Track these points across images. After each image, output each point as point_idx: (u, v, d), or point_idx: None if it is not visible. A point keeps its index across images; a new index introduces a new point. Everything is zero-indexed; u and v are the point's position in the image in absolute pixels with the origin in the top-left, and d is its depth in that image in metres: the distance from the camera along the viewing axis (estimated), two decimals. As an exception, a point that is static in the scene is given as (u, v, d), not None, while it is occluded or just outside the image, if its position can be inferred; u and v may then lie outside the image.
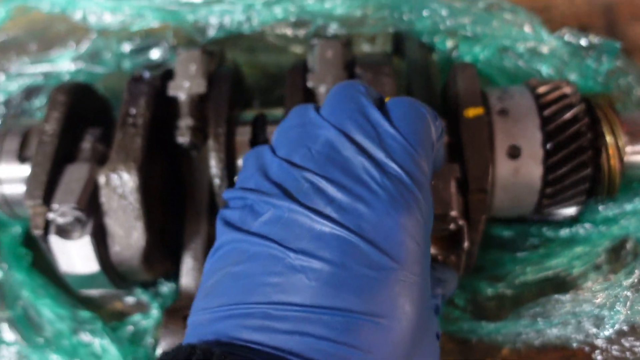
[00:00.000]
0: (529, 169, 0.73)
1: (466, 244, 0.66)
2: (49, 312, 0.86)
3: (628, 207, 0.75)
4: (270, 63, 1.02)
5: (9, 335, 0.86)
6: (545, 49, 0.81)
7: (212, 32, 0.90)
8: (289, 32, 0.90)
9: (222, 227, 0.53)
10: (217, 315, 0.47)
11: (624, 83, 0.83)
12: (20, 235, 0.93)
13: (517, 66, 0.88)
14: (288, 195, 0.49)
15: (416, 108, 0.54)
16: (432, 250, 0.67)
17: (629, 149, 0.75)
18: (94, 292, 0.84)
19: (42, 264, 0.90)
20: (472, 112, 0.73)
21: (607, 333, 0.54)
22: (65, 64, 1.02)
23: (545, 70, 0.85)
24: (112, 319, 0.88)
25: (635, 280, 0.56)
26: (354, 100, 0.53)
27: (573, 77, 0.85)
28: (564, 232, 0.78)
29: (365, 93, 0.54)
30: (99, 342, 0.84)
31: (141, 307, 0.89)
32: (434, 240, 0.67)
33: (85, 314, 0.86)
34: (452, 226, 0.65)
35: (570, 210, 0.76)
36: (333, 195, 0.48)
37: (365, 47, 0.97)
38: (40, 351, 0.84)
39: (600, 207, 0.75)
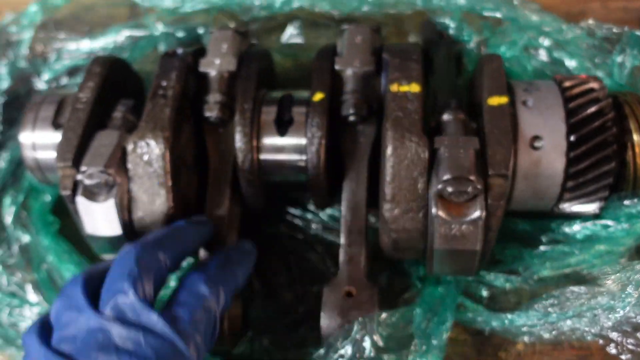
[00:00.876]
0: (552, 161, 0.73)
1: (483, 213, 0.66)
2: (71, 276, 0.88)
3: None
4: (303, 53, 1.04)
5: (33, 296, 0.89)
6: (569, 36, 0.81)
7: (255, 12, 0.93)
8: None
9: None
10: None
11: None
12: (50, 203, 0.97)
13: (543, 65, 0.88)
14: None
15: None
16: (448, 217, 0.67)
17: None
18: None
19: (68, 232, 0.93)
20: (496, 100, 0.73)
21: (618, 316, 0.53)
22: (109, 44, 1.06)
23: (571, 66, 0.85)
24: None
25: (632, 245, 0.54)
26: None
27: (599, 74, 0.84)
28: (586, 228, 0.77)
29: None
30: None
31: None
32: (452, 206, 0.67)
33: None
34: (470, 189, 0.65)
35: (592, 206, 0.75)
36: None
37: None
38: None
39: (625, 204, 0.74)
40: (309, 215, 0.91)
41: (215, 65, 0.82)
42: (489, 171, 0.68)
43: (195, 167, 0.83)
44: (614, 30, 0.85)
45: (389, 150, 0.71)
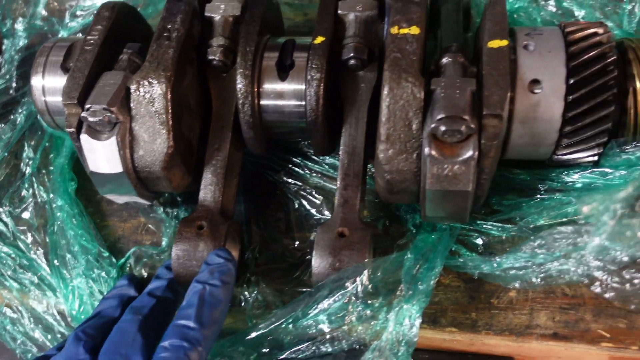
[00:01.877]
0: (550, 105, 0.72)
1: (476, 153, 0.66)
2: (76, 245, 0.91)
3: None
4: (313, 8, 1.04)
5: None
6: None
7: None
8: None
9: None
10: None
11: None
12: (69, 161, 0.99)
13: (552, 15, 0.87)
14: None
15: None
16: (441, 157, 0.67)
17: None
18: (118, 200, 0.88)
19: (83, 193, 0.97)
20: (496, 43, 0.72)
21: (593, 244, 0.52)
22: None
23: (581, 16, 0.84)
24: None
25: (630, 193, 0.53)
26: None
27: (610, 23, 0.83)
28: (585, 176, 0.76)
29: None
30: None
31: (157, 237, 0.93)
32: (445, 146, 0.67)
33: (105, 253, 0.92)
34: (463, 128, 0.65)
35: (590, 153, 0.74)
36: None
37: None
38: (57, 274, 0.90)
39: (624, 149, 0.73)
40: (310, 164, 0.92)
41: (220, 9, 0.83)
42: (484, 111, 0.68)
43: (198, 111, 0.85)
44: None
45: (385, 91, 0.71)
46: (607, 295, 0.66)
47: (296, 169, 0.92)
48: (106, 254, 0.91)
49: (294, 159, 0.92)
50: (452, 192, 0.69)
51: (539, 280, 0.72)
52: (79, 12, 1.13)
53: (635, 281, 0.63)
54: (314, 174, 0.91)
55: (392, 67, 0.71)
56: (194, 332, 0.66)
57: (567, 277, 0.69)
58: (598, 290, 0.66)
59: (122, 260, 0.91)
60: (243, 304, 0.85)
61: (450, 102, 0.68)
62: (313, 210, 0.89)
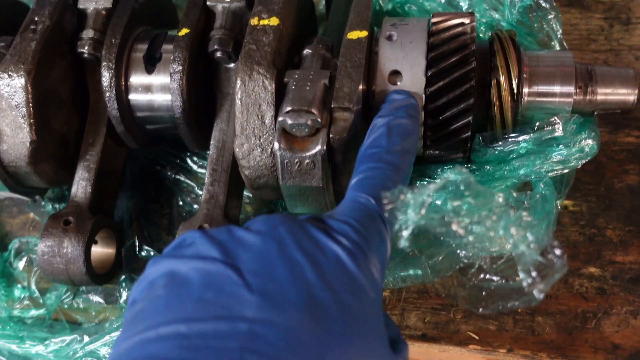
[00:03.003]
0: (410, 97, 0.69)
1: (324, 147, 0.63)
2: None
3: (520, 147, 0.70)
4: None
5: None
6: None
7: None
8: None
9: (151, 261, 0.51)
10: (147, 337, 0.43)
11: (547, 25, 0.78)
12: None
13: (440, 6, 0.84)
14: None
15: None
16: (290, 152, 0.65)
17: (526, 89, 0.70)
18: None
19: None
20: (355, 34, 0.70)
21: (404, 234, 0.49)
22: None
23: (465, 7, 0.81)
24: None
25: (438, 187, 0.50)
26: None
27: (496, 15, 0.80)
28: (456, 173, 0.74)
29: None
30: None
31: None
32: (295, 140, 0.65)
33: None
34: (309, 122, 0.63)
35: (457, 149, 0.72)
36: None
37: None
38: None
39: (491, 146, 0.71)
40: (197, 159, 0.90)
41: (92, 1, 0.81)
42: (332, 104, 0.66)
43: (75, 104, 0.83)
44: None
45: (237, 83, 0.69)
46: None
47: (182, 164, 0.90)
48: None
49: (181, 154, 0.90)
50: (304, 187, 0.67)
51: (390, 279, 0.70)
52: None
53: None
54: (200, 169, 0.89)
55: (245, 59, 0.69)
56: (389, 156, 0.59)
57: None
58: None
59: (6, 254, 0.90)
60: (119, 301, 0.83)
61: (299, 94, 0.66)
62: (196, 207, 0.88)
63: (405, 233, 0.49)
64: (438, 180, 0.52)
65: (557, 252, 0.48)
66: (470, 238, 0.50)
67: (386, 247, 0.55)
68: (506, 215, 0.50)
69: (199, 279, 0.45)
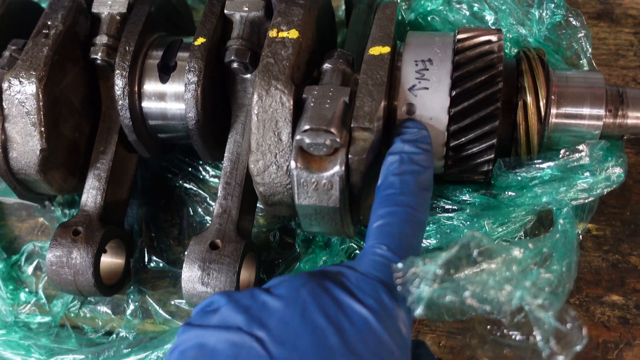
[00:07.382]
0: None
1: (342, 168, 0.61)
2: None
3: (544, 173, 0.67)
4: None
5: None
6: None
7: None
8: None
9: (182, 328, 0.53)
10: None
11: (576, 43, 0.75)
12: None
13: (467, 18, 0.81)
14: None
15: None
16: (306, 171, 0.63)
17: (554, 110, 0.68)
18: (7, 200, 0.85)
19: None
20: (377, 50, 0.68)
21: (419, 309, 0.48)
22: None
23: (490, 21, 0.78)
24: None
25: (450, 256, 0.48)
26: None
27: (523, 31, 0.77)
28: (475, 197, 0.72)
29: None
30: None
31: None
32: (313, 159, 0.63)
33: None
34: (328, 142, 0.61)
35: (479, 170, 0.69)
36: None
37: None
38: None
39: (512, 171, 0.68)
40: (209, 168, 0.88)
41: (107, 6, 0.79)
42: (352, 123, 0.63)
43: (86, 111, 0.81)
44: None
45: (254, 98, 0.66)
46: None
47: (195, 172, 0.88)
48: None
49: (193, 162, 0.88)
50: (320, 207, 0.65)
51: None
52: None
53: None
54: (213, 179, 0.87)
55: (263, 74, 0.67)
56: (405, 197, 0.58)
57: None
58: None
59: (17, 256, 0.88)
60: (126, 312, 0.82)
61: (318, 112, 0.63)
62: (208, 218, 0.86)
63: (419, 308, 0.48)
64: (449, 248, 0.50)
65: (574, 322, 0.47)
66: (487, 308, 0.48)
67: None
68: (522, 279, 0.48)
69: (226, 351, 0.47)
